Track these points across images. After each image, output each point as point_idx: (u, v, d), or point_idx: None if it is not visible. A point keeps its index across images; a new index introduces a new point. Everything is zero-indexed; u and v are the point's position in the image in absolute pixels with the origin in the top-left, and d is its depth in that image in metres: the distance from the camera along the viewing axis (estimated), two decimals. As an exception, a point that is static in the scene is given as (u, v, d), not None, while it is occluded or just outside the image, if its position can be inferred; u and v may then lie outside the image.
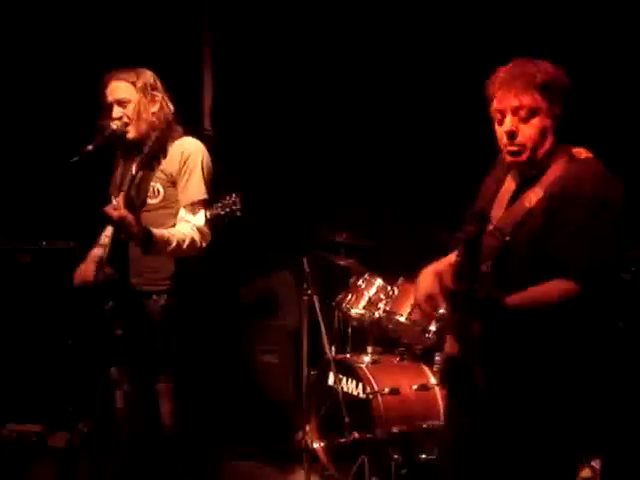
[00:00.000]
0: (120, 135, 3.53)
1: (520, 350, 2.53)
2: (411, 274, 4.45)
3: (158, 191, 3.55)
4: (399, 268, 4.72)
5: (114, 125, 3.51)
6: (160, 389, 3.61)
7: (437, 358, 2.70)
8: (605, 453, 3.59)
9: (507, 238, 2.43)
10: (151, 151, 3.36)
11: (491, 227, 2.56)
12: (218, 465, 4.56)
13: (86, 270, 3.68)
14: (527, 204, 2.55)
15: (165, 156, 3.35)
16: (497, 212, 2.64)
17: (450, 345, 2.62)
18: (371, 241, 4.92)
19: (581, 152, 2.61)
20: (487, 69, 4.46)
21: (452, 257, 2.85)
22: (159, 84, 3.64)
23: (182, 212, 3.53)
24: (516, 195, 2.62)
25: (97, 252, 3.77)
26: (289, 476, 4.64)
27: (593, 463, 3.75)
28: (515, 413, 2.56)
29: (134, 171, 3.38)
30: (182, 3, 5.63)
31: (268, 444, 4.94)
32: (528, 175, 2.61)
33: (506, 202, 2.64)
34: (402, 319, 4.37)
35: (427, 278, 2.70)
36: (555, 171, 2.56)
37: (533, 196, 2.55)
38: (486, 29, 4.69)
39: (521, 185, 2.63)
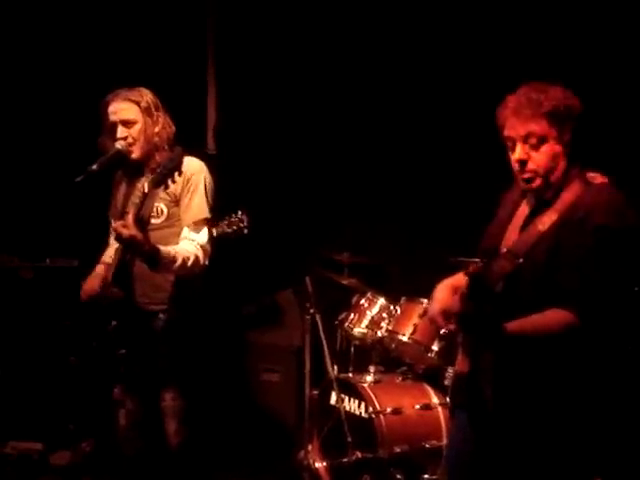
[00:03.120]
0: (125, 155, 3.54)
1: (528, 372, 2.54)
2: (414, 293, 4.50)
3: (162, 211, 3.56)
4: (402, 287, 4.73)
5: (119, 145, 3.52)
6: (166, 408, 3.60)
7: (449, 372, 2.71)
8: (606, 473, 3.58)
9: (520, 261, 2.45)
10: (164, 169, 3.36)
11: (505, 249, 2.59)
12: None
13: (92, 285, 3.70)
14: (541, 227, 2.56)
15: (180, 174, 3.35)
16: (512, 234, 2.66)
17: (461, 362, 2.63)
18: (374, 260, 4.93)
19: (596, 177, 2.62)
20: (493, 89, 4.49)
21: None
22: (160, 104, 3.66)
23: (185, 231, 3.53)
24: (531, 218, 2.64)
25: (101, 269, 3.78)
26: (291, 495, 4.63)
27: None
28: (524, 432, 2.57)
29: (146, 189, 3.37)
30: (187, 23, 5.66)
31: (270, 463, 4.93)
32: (543, 198, 2.62)
33: (520, 224, 2.65)
34: (405, 338, 4.36)
35: (442, 292, 2.74)
36: (569, 195, 2.57)
37: (547, 220, 2.57)
38: (498, 54, 4.68)
39: (536, 208, 2.64)
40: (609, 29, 4.24)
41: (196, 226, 3.53)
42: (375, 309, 4.60)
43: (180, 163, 3.40)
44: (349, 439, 4.28)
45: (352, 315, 4.67)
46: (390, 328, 4.46)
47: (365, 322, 4.60)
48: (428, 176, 5.08)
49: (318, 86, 5.48)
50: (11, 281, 5.05)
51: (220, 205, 3.68)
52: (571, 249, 2.48)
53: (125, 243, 3.31)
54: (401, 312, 4.48)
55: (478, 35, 4.79)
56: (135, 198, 3.50)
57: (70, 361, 3.65)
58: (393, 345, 4.50)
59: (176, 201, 3.56)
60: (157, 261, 3.34)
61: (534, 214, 2.64)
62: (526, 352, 2.52)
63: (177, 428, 3.60)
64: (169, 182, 3.36)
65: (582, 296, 2.46)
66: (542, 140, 2.54)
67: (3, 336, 5.01)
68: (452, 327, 2.66)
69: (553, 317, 2.49)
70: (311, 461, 4.50)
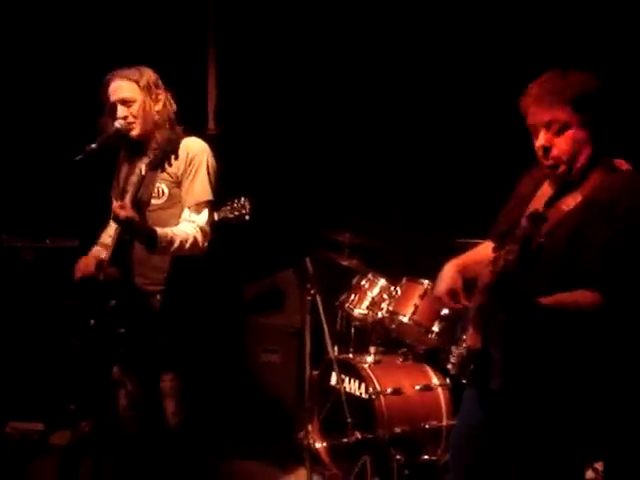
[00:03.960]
0: (124, 133, 3.53)
1: (541, 351, 2.55)
2: (414, 274, 4.49)
3: (163, 192, 3.55)
4: (402, 268, 4.72)
5: (118, 124, 3.50)
6: (165, 388, 3.60)
7: (453, 350, 2.71)
8: (608, 455, 3.59)
9: (541, 240, 2.45)
10: (162, 152, 3.34)
11: (523, 225, 2.57)
12: (219, 464, 4.57)
13: (86, 264, 3.69)
14: (565, 208, 2.58)
15: (177, 157, 3.33)
16: None
17: (472, 338, 2.64)
18: (375, 241, 4.92)
19: (622, 163, 2.64)
20: (493, 75, 4.46)
21: (475, 253, 2.88)
22: (160, 82, 3.63)
23: (186, 212, 3.52)
24: (554, 199, 2.64)
25: (98, 250, 3.78)
26: (291, 476, 4.62)
27: (596, 465, 3.75)
28: (530, 411, 2.59)
29: (143, 172, 3.35)
30: (187, 5, 5.63)
31: (270, 444, 4.94)
32: (568, 180, 2.63)
33: (543, 204, 2.65)
34: (405, 319, 4.36)
35: (449, 272, 2.77)
36: (595, 179, 2.58)
37: (571, 201, 2.58)
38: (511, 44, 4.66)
39: (560, 189, 2.65)
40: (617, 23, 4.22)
41: (197, 207, 3.52)
42: (376, 290, 4.61)
43: (177, 146, 3.37)
44: (349, 420, 4.29)
45: (353, 296, 4.67)
46: (391, 309, 4.46)
47: (366, 303, 4.60)
48: (430, 156, 5.08)
49: (320, 67, 5.46)
50: (12, 261, 5.05)
51: (221, 186, 3.67)
52: (598, 231, 2.49)
53: (122, 224, 3.31)
54: (402, 293, 4.48)
55: (477, 25, 4.80)
56: (134, 178, 3.49)
57: (71, 342, 3.65)
58: (393, 326, 4.50)
59: (178, 182, 3.55)
60: (154, 243, 3.33)
61: (558, 195, 2.64)
62: (540, 331, 2.53)
63: (176, 409, 3.60)
64: (166, 165, 3.35)
65: (609, 278, 2.47)
66: (565, 127, 2.54)
67: (3, 317, 5.01)
68: (458, 306, 2.67)
69: (583, 297, 2.50)
70: (311, 441, 4.50)
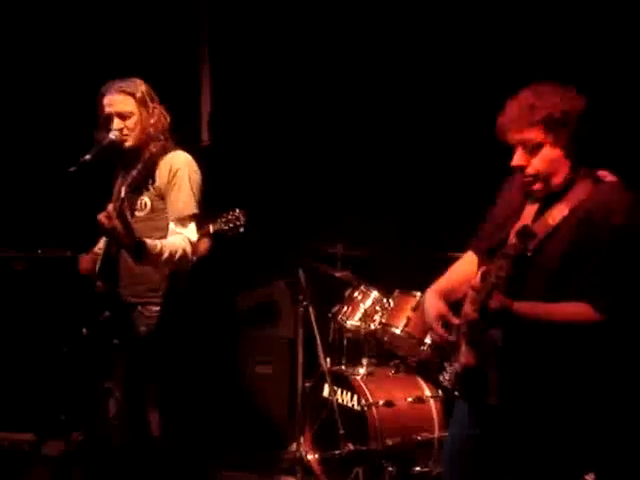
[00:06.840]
0: (118, 145, 3.53)
1: (537, 364, 2.56)
2: (407, 286, 4.50)
3: (145, 204, 3.55)
4: (395, 280, 4.73)
5: (112, 135, 3.50)
6: (150, 399, 3.60)
7: (446, 366, 2.72)
8: (599, 467, 3.59)
9: (528, 254, 2.46)
10: (146, 163, 3.36)
11: (514, 242, 2.58)
12: (210, 476, 4.56)
13: (89, 260, 3.73)
14: (551, 221, 2.57)
15: (153, 183, 3.34)
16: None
17: (467, 355, 2.64)
18: (368, 253, 4.93)
19: (605, 175, 2.63)
20: (489, 88, 4.47)
21: (453, 273, 2.88)
22: (154, 94, 3.65)
23: (172, 226, 3.51)
24: (540, 213, 2.63)
25: (96, 253, 3.79)
26: (283, 488, 4.63)
27: (587, 477, 3.75)
28: (528, 425, 2.59)
29: (123, 194, 3.35)
30: (180, 15, 5.65)
31: (262, 455, 4.93)
32: (551, 193, 2.63)
33: (531, 218, 2.65)
34: (397, 331, 4.38)
35: (433, 299, 2.76)
36: (580, 192, 2.58)
37: (557, 214, 2.57)
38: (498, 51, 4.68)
39: (545, 202, 2.64)
40: (616, 27, 4.24)
41: (182, 221, 3.52)
42: (368, 302, 4.61)
43: (157, 157, 3.44)
44: (341, 431, 4.29)
45: (345, 308, 4.67)
46: (383, 321, 4.47)
47: (358, 315, 4.60)
48: (421, 169, 5.09)
49: (313, 77, 5.47)
50: (3, 272, 5.04)
51: (214, 197, 3.67)
52: (593, 248, 2.49)
53: (107, 234, 3.31)
54: (394, 305, 4.49)
55: (474, 32, 4.81)
56: (122, 189, 3.49)
57: (62, 351, 3.65)
58: (386, 338, 4.51)
59: (161, 195, 3.55)
60: (141, 253, 3.33)
61: (543, 208, 2.63)
62: (534, 344, 2.54)
63: (161, 419, 3.60)
64: (148, 177, 3.36)
65: (607, 294, 2.48)
66: (538, 146, 2.54)
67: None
68: (453, 338, 2.66)
69: (573, 308, 2.50)
70: (303, 453, 4.51)
